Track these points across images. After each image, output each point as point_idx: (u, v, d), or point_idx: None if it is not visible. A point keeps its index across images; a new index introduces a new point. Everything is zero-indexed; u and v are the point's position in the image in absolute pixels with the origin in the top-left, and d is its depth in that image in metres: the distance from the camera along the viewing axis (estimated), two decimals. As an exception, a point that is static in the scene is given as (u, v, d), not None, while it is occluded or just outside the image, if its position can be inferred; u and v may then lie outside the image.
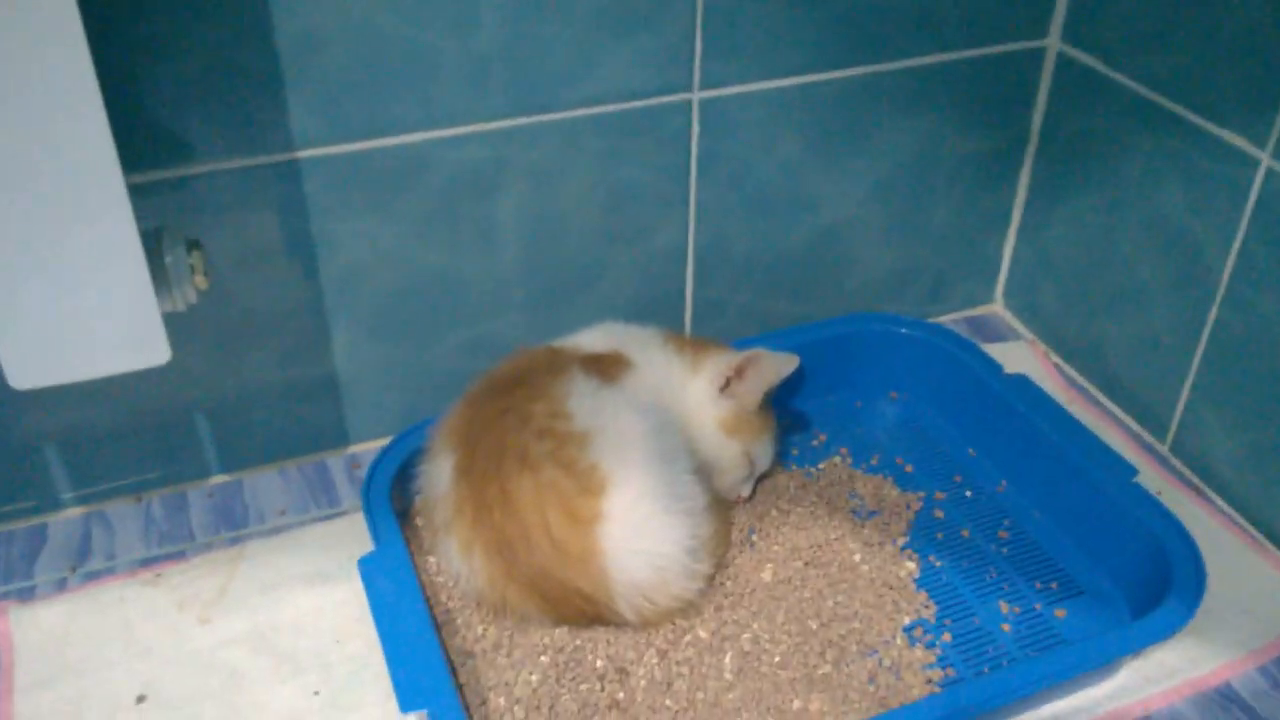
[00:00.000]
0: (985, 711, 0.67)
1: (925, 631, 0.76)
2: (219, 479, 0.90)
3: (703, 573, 0.76)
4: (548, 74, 0.81)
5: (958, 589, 0.80)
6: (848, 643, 0.74)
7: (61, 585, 0.82)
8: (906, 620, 0.76)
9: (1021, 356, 1.02)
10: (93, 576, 0.82)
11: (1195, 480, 0.90)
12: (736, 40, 0.85)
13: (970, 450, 0.93)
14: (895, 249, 1.02)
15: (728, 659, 0.73)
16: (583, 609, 0.73)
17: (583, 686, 0.72)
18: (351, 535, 0.83)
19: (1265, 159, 0.80)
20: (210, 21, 0.72)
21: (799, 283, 1.00)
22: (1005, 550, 0.83)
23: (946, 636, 0.76)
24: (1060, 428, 0.86)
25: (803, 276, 1.00)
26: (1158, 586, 0.74)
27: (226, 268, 0.80)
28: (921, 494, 0.88)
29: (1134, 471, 0.81)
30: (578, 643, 0.74)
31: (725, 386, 0.83)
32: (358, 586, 0.75)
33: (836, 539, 0.82)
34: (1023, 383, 0.90)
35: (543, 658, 0.73)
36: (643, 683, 0.72)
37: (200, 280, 0.71)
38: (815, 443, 0.94)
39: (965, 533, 0.85)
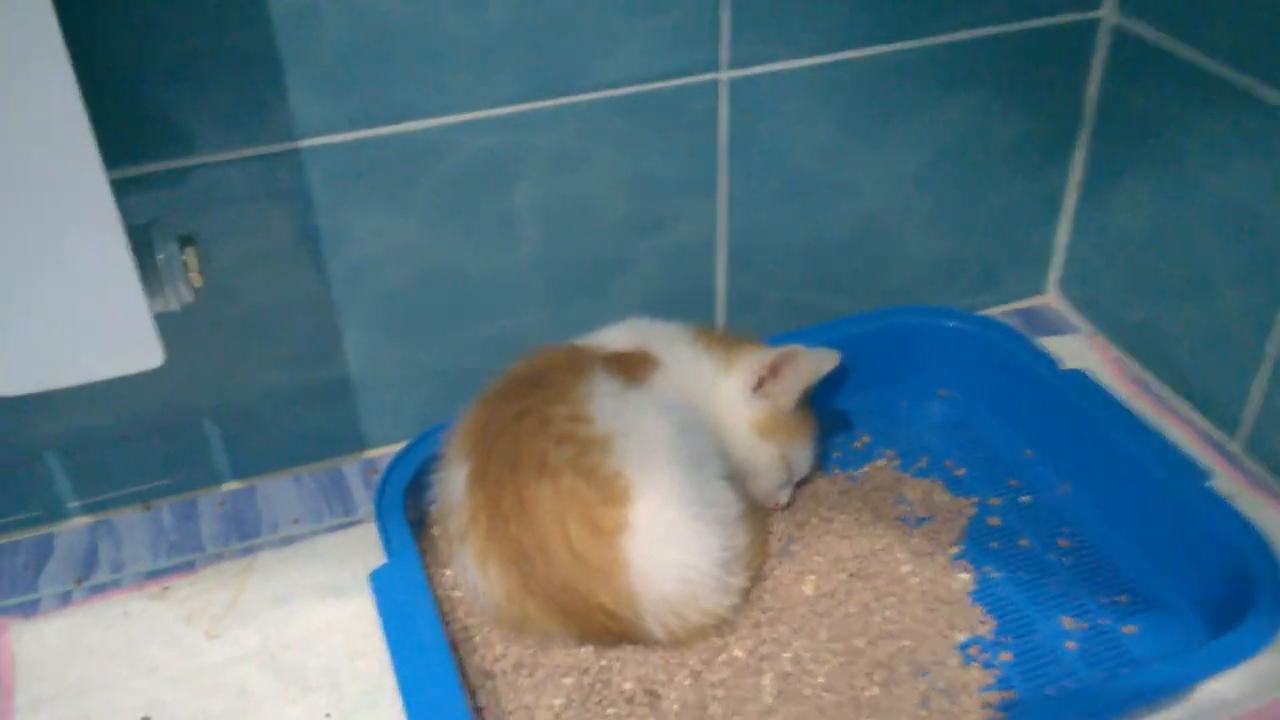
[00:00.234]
0: (1051, 739, 0.64)
1: (982, 650, 0.73)
2: (231, 486, 0.90)
3: (737, 586, 0.74)
4: (565, 54, 0.79)
5: (1016, 603, 0.77)
6: (897, 662, 0.72)
7: (66, 599, 0.81)
8: (961, 637, 0.74)
9: (1079, 350, 0.99)
10: (98, 590, 0.82)
11: (1272, 483, 0.86)
12: (767, 15, 0.83)
13: (1027, 452, 0.90)
14: (941, 237, 1.00)
15: (767, 680, 0.71)
16: (608, 626, 0.71)
17: (610, 711, 0.69)
18: (367, 545, 0.81)
19: (1345, 133, 0.77)
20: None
21: (838, 274, 0.99)
22: (1067, 560, 0.80)
23: (1005, 655, 0.73)
24: (1124, 427, 0.83)
25: (842, 267, 0.98)
26: (1235, 601, 0.71)
27: (230, 265, 0.79)
28: (975, 499, 0.85)
29: (1207, 474, 0.79)
30: (604, 663, 0.72)
31: (759, 386, 0.81)
32: (373, 600, 0.74)
33: (883, 549, 0.80)
34: (1081, 378, 0.88)
35: (566, 679, 0.71)
36: (675, 707, 0.69)
37: (195, 278, 0.69)
38: (858, 445, 0.92)
39: (1023, 541, 0.82)
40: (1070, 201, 1.02)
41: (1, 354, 0.61)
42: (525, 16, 0.77)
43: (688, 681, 0.70)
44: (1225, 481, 0.83)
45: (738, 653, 0.72)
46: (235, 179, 0.76)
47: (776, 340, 0.86)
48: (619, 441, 0.71)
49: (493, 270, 0.87)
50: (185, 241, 0.68)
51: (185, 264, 0.68)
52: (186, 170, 0.75)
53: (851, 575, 0.78)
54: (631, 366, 0.78)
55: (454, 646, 0.73)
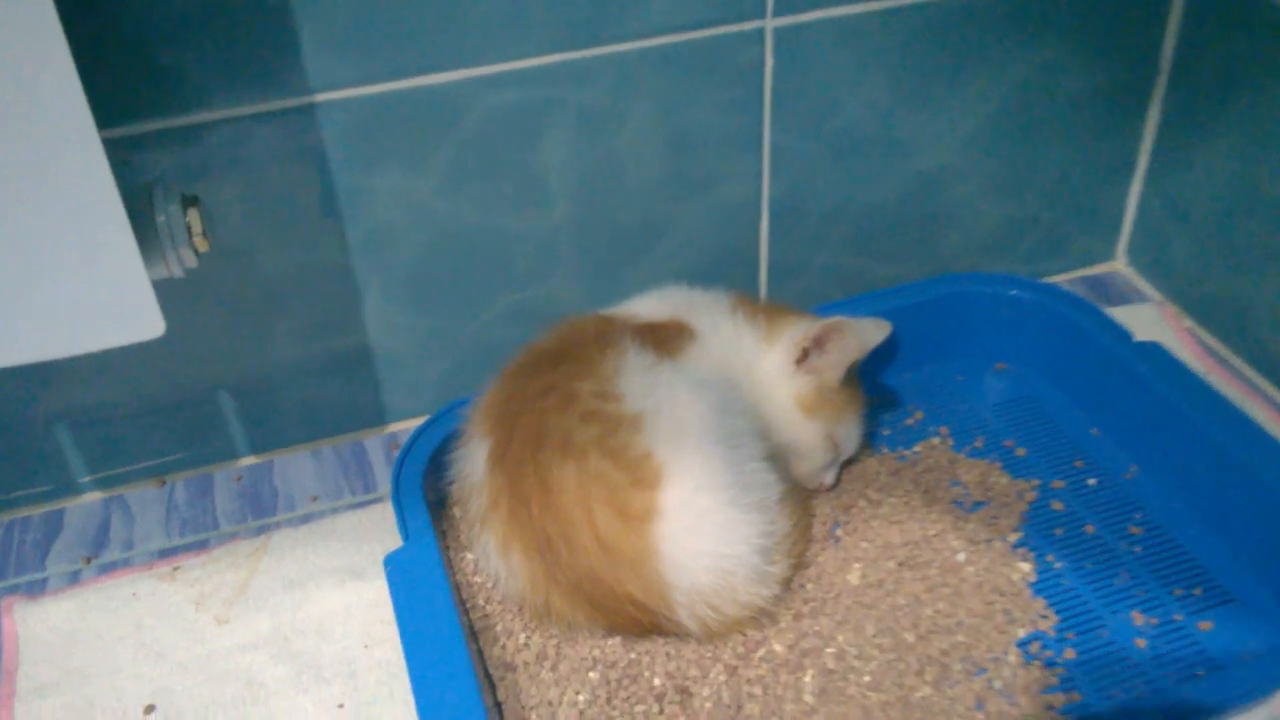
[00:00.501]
0: (1122, 748, 0.62)
1: (1044, 647, 0.70)
2: (248, 460, 0.90)
3: (776, 576, 0.71)
4: (598, 1, 0.77)
5: (1082, 595, 0.74)
6: (951, 659, 0.69)
7: (74, 578, 0.80)
8: (1021, 633, 0.71)
9: (1150, 321, 0.97)
10: (108, 569, 0.81)
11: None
12: (818, -44, 0.81)
13: (1093, 430, 0.87)
14: (1001, 199, 0.98)
15: (808, 678, 0.68)
16: (637, 618, 0.68)
17: (638, 708, 0.67)
18: (386, 525, 0.81)
19: None
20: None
21: (890, 239, 0.97)
22: (1138, 549, 0.78)
23: (1069, 653, 0.70)
24: (1200, 403, 0.80)
25: (894, 232, 0.97)
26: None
27: (243, 229, 0.78)
28: (1036, 482, 0.83)
29: (1293, 456, 0.76)
30: (633, 656, 0.70)
31: (803, 359, 0.78)
32: (392, 584, 0.73)
33: (936, 535, 0.78)
34: (1154, 351, 0.85)
35: (592, 673, 0.69)
36: (708, 704, 0.67)
37: (200, 242, 0.66)
38: (910, 422, 0.90)
39: (1089, 528, 0.79)
40: (1142, 161, 1.00)
41: (-9, 323, 0.60)
42: (554, -40, 0.75)
43: (722, 678, 0.68)
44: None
45: (777, 647, 0.70)
46: (248, 136, 0.75)
47: (822, 310, 0.85)
48: (650, 420, 0.69)
49: (520, 235, 0.86)
50: (189, 203, 0.66)
51: (189, 226, 0.65)
52: (197, 127, 0.74)
53: (901, 564, 0.76)
54: (665, 338, 0.76)
55: (473, 635, 0.71)
